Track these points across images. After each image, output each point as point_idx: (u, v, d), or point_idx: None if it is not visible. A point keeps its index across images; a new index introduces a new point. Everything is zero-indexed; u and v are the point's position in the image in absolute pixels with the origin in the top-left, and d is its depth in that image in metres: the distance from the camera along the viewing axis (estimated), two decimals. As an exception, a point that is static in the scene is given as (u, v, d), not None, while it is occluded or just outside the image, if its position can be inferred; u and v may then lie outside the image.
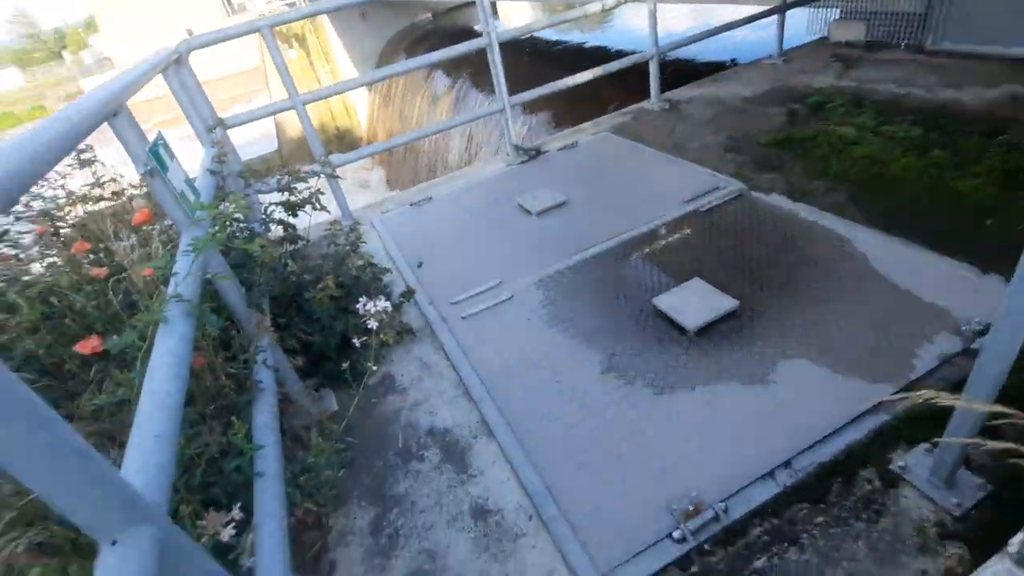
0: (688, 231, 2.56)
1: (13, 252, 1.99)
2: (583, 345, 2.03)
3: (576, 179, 3.29)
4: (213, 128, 2.34)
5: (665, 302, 2.08)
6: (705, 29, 4.03)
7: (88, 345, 1.36)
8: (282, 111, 3.03)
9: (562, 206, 3.01)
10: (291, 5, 21.39)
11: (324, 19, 19.89)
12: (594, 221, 2.81)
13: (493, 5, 20.94)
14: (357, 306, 1.57)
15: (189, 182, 1.61)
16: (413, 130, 3.45)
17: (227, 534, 0.97)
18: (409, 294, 2.41)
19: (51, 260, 1.81)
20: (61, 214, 2.08)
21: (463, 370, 2.06)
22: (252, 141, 26.53)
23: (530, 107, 9.26)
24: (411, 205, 3.46)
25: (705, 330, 1.95)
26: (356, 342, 1.62)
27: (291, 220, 2.37)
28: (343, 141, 22.07)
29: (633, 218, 2.74)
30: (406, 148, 17.06)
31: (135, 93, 1.75)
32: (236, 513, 1.03)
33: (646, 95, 4.17)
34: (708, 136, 3.49)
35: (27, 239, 2.06)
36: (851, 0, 4.34)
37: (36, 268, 1.86)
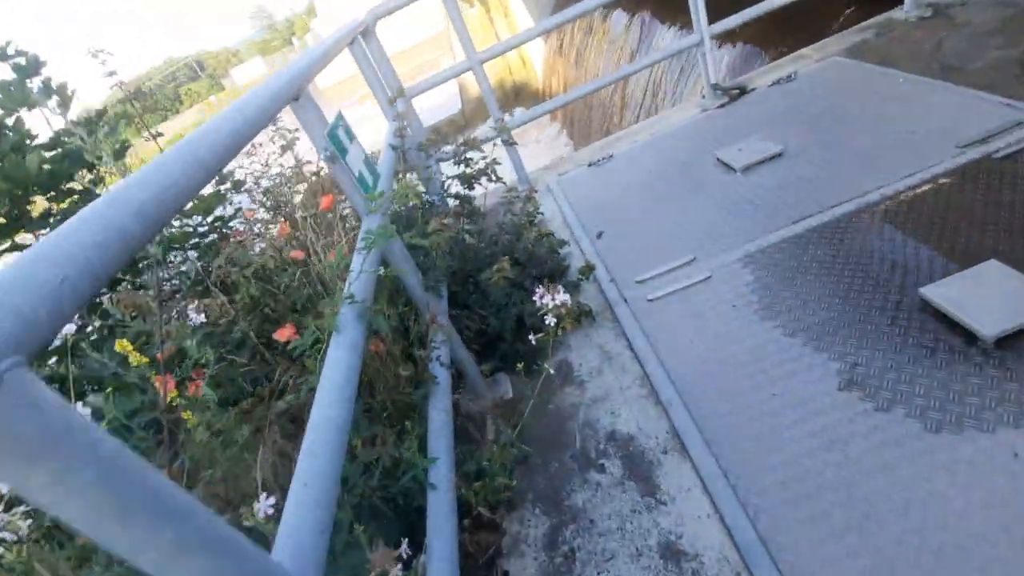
0: (973, 188, 1.84)
1: (244, 227, 2.21)
2: (810, 347, 1.58)
3: (795, 122, 2.64)
4: (394, 100, 2.31)
5: (941, 293, 1.51)
6: None
7: (284, 333, 1.39)
8: (461, 73, 2.92)
9: (776, 159, 2.44)
10: (472, -39, 21.68)
11: (506, -28, 19.77)
12: (822, 177, 2.20)
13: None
14: (534, 298, 1.39)
15: (369, 163, 1.54)
16: (590, 82, 3.11)
17: (396, 574, 0.87)
18: (588, 270, 2.17)
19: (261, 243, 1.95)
20: (280, 194, 2.26)
21: (649, 364, 1.77)
22: (438, 105, 28.27)
23: (729, 37, 8.00)
24: (590, 165, 3.16)
25: (1010, 340, 1.36)
26: (532, 339, 1.44)
27: (468, 192, 2.27)
28: (520, 95, 22.25)
29: (883, 170, 2.08)
30: (584, 102, 16.52)
31: (319, 72, 1.73)
32: (404, 549, 0.93)
33: (893, 4, 3.19)
34: (995, 51, 2.50)
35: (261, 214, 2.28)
36: None
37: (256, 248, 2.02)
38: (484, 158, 2.20)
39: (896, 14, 3.18)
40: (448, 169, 2.55)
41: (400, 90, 2.62)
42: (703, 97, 3.25)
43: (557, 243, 2.34)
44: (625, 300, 2.06)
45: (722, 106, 3.12)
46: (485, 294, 1.90)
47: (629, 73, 3.16)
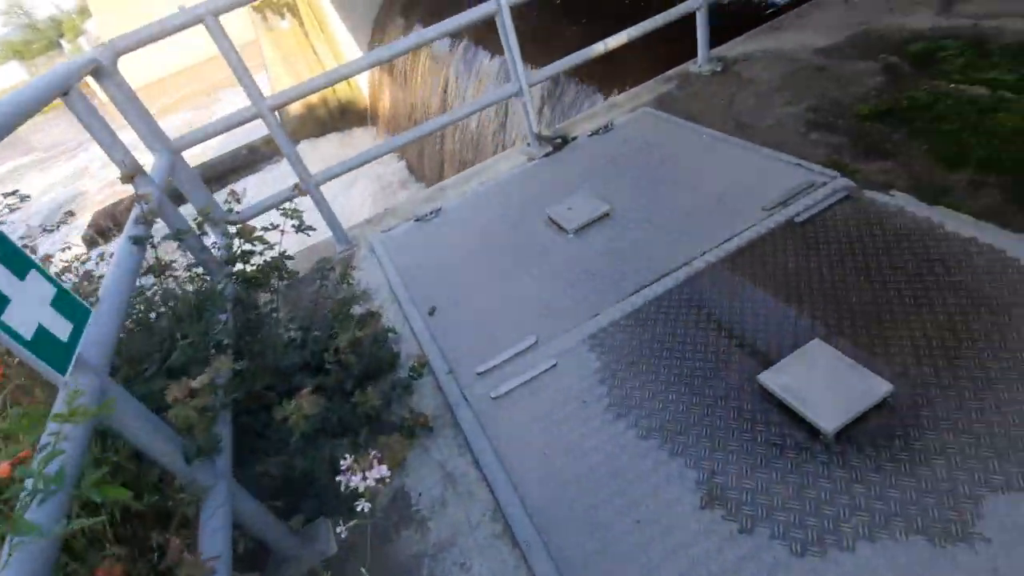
0: (783, 254, 1.91)
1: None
2: (666, 452, 1.44)
3: (617, 176, 2.63)
4: (130, 177, 1.70)
5: (776, 381, 1.47)
6: (764, -35, 3.22)
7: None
8: (244, 122, 2.40)
9: (605, 219, 2.37)
10: (279, -29, 20.18)
11: (315, -15, 18.71)
12: (650, 241, 2.16)
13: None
14: (339, 478, 1.02)
15: (65, 298, 1.03)
16: (416, 128, 2.80)
17: None
18: (421, 367, 1.84)
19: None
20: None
21: (500, 490, 1.50)
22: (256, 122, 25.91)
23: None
24: (416, 220, 2.85)
25: (848, 431, 1.34)
26: (342, 530, 1.07)
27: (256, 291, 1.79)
28: (346, 115, 21.24)
29: (701, 235, 2.10)
30: (408, 110, 16.22)
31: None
32: None
33: (688, 49, 3.42)
34: (781, 107, 2.76)
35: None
36: (945, -90, 3.44)
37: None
38: (269, 247, 1.73)
39: (693, 67, 3.40)
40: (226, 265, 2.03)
41: (137, 167, 1.93)
42: (528, 145, 3.14)
43: (383, 332, 1.97)
44: (467, 400, 1.77)
45: (547, 155, 3.03)
46: (282, 440, 1.47)
47: (456, 119, 2.91)
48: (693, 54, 3.41)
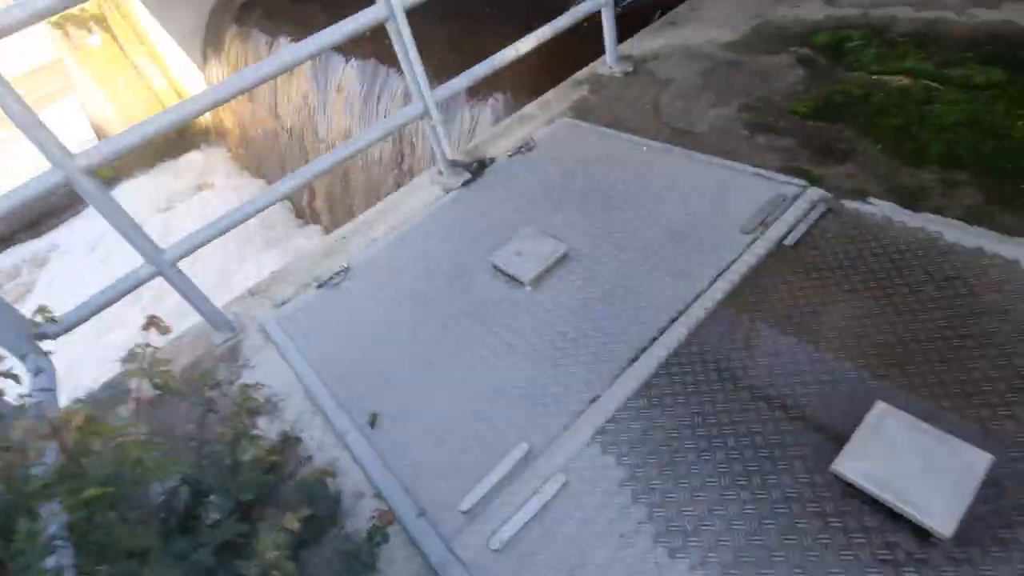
0: (787, 286, 1.65)
1: None
2: (754, 597, 1.09)
3: (558, 204, 2.25)
4: None
5: (857, 470, 1.18)
6: (661, -43, 3.01)
7: None
8: (48, 194, 1.66)
9: (565, 263, 1.98)
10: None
11: (124, -9, 16.18)
12: (627, 287, 1.81)
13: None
14: None
15: None
16: (322, 158, 2.17)
17: None
18: (383, 527, 1.30)
19: None
20: None
21: None
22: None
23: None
24: (320, 287, 2.24)
25: (965, 528, 1.08)
26: None
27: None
28: (185, 135, 18.77)
29: (686, 273, 1.79)
30: (263, 135, 14.69)
31: None
32: None
33: (587, 47, 3.14)
34: (712, 108, 2.56)
35: None
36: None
37: None
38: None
39: (601, 68, 3.13)
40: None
41: None
42: (440, 173, 2.65)
43: (315, 477, 1.40)
44: (459, 559, 1.28)
45: (466, 183, 2.57)
46: None
47: (356, 151, 2.31)
48: (581, 54, 3.16)
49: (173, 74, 18.52)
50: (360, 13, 2.04)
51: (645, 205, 2.12)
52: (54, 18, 16.18)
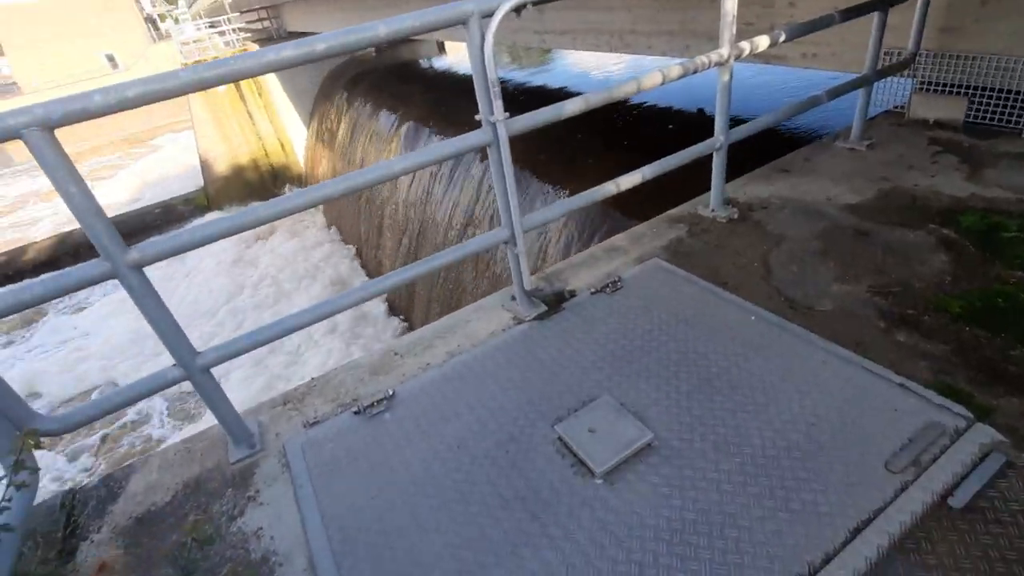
0: (956, 570, 1.22)
1: None
2: None
3: (644, 368, 1.92)
4: None
5: None
6: (785, 105, 2.82)
7: None
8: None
9: (648, 453, 1.62)
10: (221, 33, 19.49)
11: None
12: (731, 515, 1.42)
13: (440, 44, 19.90)
14: None
15: None
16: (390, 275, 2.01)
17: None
18: None
19: None
20: None
21: None
22: (171, 176, 24.01)
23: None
24: (357, 413, 1.97)
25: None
26: None
27: None
28: (279, 179, 20.13)
29: (810, 514, 1.38)
30: (357, 196, 15.45)
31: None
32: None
33: (685, 184, 2.93)
34: (836, 283, 2.22)
35: None
36: (945, 70, 3.28)
37: None
38: None
39: (701, 209, 2.88)
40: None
41: None
42: (513, 299, 2.41)
43: None
44: None
45: (540, 316, 2.30)
46: None
47: (433, 268, 2.11)
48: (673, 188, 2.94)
49: (280, 123, 20.19)
50: (464, 137, 1.89)
51: (753, 396, 1.75)
52: (190, 62, 18.23)
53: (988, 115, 3.19)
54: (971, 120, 3.27)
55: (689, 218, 2.87)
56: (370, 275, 12.94)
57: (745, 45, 2.43)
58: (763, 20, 4.20)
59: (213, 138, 19.18)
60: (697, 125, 7.27)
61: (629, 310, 2.24)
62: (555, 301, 2.39)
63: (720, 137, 2.59)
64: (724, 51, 2.36)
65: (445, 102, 12.53)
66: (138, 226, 19.87)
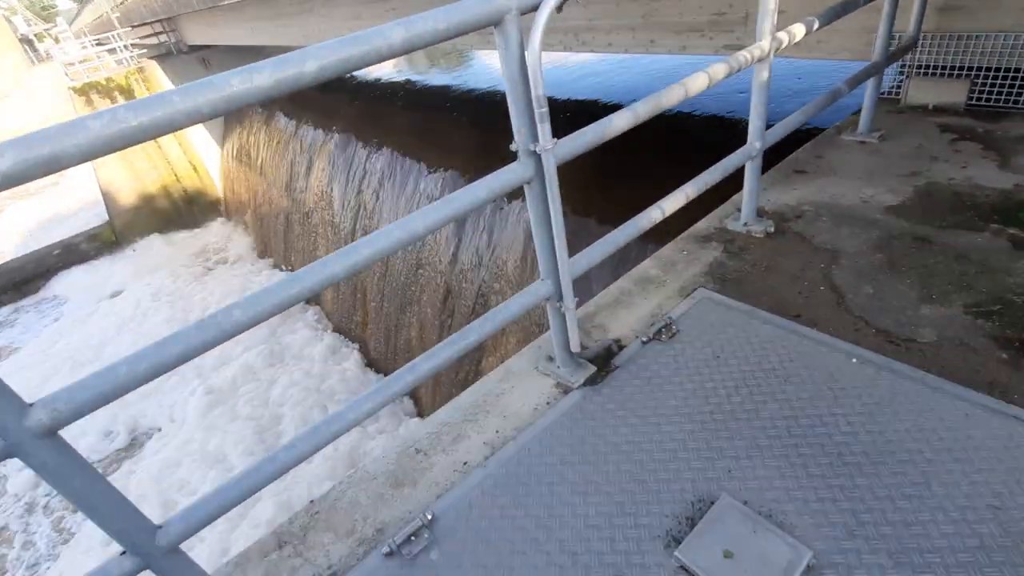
0: None
1: None
2: None
3: (751, 442, 1.53)
4: None
5: None
6: (811, 102, 2.53)
7: None
8: None
9: (811, 582, 1.23)
10: (112, 51, 17.57)
11: (156, 69, 16.57)
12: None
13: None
14: None
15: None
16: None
17: None
18: None
19: None
20: None
21: None
22: (68, 213, 21.57)
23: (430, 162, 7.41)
24: (390, 555, 1.45)
25: None
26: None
27: None
28: (194, 205, 18.52)
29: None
30: (270, 204, 14.36)
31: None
32: None
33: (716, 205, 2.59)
34: (925, 304, 1.92)
35: None
36: (945, 52, 3.13)
37: None
38: None
39: (732, 225, 2.55)
40: None
41: None
42: (551, 359, 1.96)
43: None
44: None
45: (590, 382, 1.87)
46: None
47: (469, 345, 1.62)
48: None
49: (189, 143, 18.59)
50: (496, 175, 1.43)
51: (904, 472, 1.40)
52: (79, 85, 16.35)
53: (992, 97, 3.06)
54: (973, 103, 3.14)
55: (720, 235, 2.53)
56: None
57: (783, 36, 2.10)
58: (737, 9, 3.97)
59: (114, 167, 17.36)
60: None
61: (698, 363, 1.85)
62: (602, 358, 1.96)
63: (756, 143, 2.26)
64: (765, 44, 2.02)
65: (373, 111, 11.84)
66: (36, 271, 17.65)
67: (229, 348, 10.48)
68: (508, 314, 1.64)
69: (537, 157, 1.45)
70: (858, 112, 3.34)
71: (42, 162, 0.79)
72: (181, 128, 0.90)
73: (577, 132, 1.56)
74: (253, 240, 15.95)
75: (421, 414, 8.41)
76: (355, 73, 16.74)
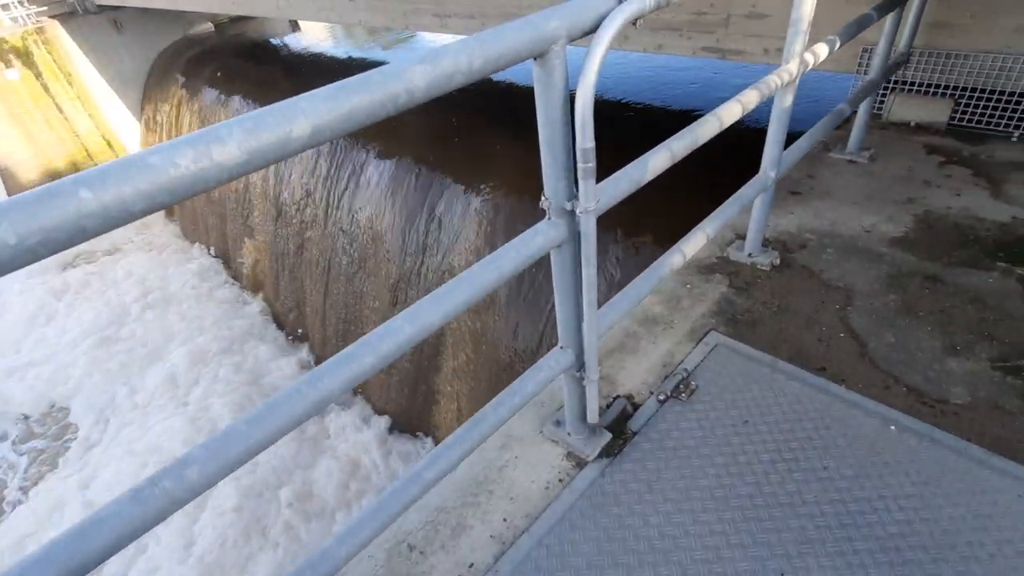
0: None
1: None
2: None
3: (797, 536, 1.36)
4: None
5: None
6: (819, 124, 2.37)
7: None
8: None
9: None
10: (4, 7, 15.42)
11: (59, 30, 14.73)
12: None
13: (294, 23, 17.68)
14: None
15: None
16: None
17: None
18: None
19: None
20: None
21: None
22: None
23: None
24: None
25: None
26: None
27: None
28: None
29: None
30: (207, 197, 13.22)
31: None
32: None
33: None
34: (950, 357, 1.81)
35: None
36: (931, 70, 3.08)
37: None
38: None
39: (735, 255, 2.38)
40: None
41: None
42: (558, 424, 1.71)
43: None
44: None
45: (606, 453, 1.64)
46: None
47: (484, 436, 1.32)
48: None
49: (102, 117, 16.80)
50: (524, 239, 1.15)
51: (967, 568, 1.26)
52: (-34, 46, 14.26)
53: (975, 118, 3.05)
54: (955, 123, 3.12)
55: (723, 266, 2.36)
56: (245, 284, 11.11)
57: (809, 57, 1.91)
58: (718, 9, 3.79)
59: (12, 139, 15.44)
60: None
61: (726, 429, 1.66)
62: (617, 421, 1.74)
63: (770, 172, 2.07)
64: (793, 67, 1.82)
65: (311, 87, 11.01)
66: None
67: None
68: (525, 395, 1.37)
69: (572, 216, 1.17)
70: (842, 127, 3.26)
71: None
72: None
73: (611, 178, 1.30)
74: (179, 225, 14.67)
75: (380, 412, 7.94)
76: (286, 44, 15.57)
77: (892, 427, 1.61)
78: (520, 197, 5.58)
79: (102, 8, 15.05)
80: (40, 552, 0.70)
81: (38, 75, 14.81)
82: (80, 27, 14.83)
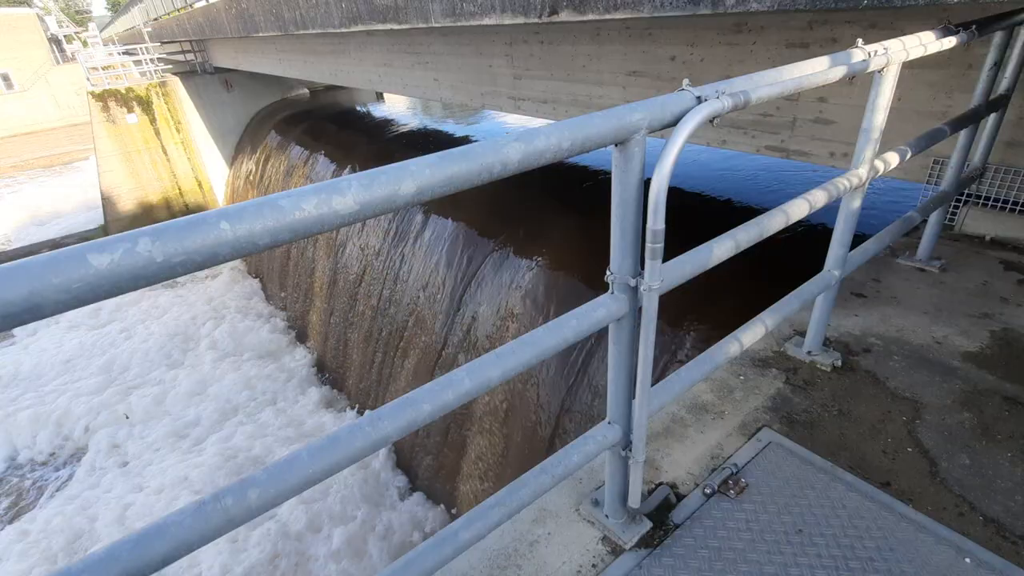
0: None
1: None
2: None
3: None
4: None
5: None
6: (888, 228, 2.35)
7: None
8: None
9: None
10: (138, 63, 17.69)
11: (178, 85, 16.66)
12: None
13: (379, 94, 19.32)
14: None
15: None
16: None
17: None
18: None
19: None
20: None
21: None
22: (65, 211, 21.17)
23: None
24: None
25: None
26: None
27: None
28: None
29: None
30: (279, 254, 14.07)
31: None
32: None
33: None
34: (1033, 489, 1.67)
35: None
36: (1009, 186, 3.02)
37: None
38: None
39: (793, 351, 2.31)
40: None
41: None
42: (596, 504, 1.65)
43: None
44: None
45: (644, 542, 1.56)
46: None
47: (512, 510, 1.34)
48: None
49: (199, 161, 18.49)
50: (584, 311, 1.18)
51: None
52: (99, 90, 16.31)
53: (1055, 238, 2.93)
54: (1035, 241, 3.00)
55: (780, 361, 2.29)
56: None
57: (879, 164, 1.93)
58: (784, 113, 3.90)
59: (120, 173, 17.17)
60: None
61: (777, 536, 1.56)
62: (659, 510, 1.66)
63: (835, 271, 2.05)
64: (863, 172, 1.84)
65: (391, 153, 11.83)
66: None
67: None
68: (569, 465, 1.35)
69: (634, 292, 1.20)
70: (910, 234, 3.20)
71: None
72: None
73: (676, 260, 1.33)
74: (246, 263, 15.59)
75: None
76: (370, 111, 16.94)
77: (967, 559, 1.46)
78: (569, 273, 5.67)
79: (218, 70, 17.02)
80: (104, 551, 0.74)
81: (152, 120, 16.66)
82: (196, 84, 16.72)
